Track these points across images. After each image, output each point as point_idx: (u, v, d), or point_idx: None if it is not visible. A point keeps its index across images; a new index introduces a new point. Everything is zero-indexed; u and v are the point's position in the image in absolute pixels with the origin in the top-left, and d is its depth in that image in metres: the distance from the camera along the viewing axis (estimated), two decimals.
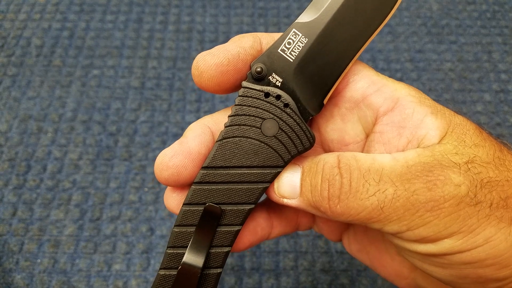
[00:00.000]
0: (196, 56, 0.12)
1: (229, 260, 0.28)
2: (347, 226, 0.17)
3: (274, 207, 0.16)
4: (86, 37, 0.39)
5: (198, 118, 0.35)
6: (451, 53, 0.40)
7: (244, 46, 0.12)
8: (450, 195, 0.10)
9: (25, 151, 0.33)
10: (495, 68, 0.39)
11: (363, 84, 0.12)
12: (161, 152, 0.13)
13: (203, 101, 0.36)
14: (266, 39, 0.13)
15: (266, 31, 0.41)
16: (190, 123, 0.35)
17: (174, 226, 0.13)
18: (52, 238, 0.29)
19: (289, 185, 0.12)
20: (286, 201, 0.12)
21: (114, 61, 0.38)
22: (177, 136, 0.34)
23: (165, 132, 0.34)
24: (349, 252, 0.17)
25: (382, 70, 0.38)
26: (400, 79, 0.38)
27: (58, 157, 0.32)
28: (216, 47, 0.12)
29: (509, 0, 0.44)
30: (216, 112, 0.14)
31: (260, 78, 0.12)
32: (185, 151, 0.12)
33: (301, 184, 0.12)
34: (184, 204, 0.13)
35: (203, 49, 0.39)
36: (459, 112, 0.12)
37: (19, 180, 0.31)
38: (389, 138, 0.12)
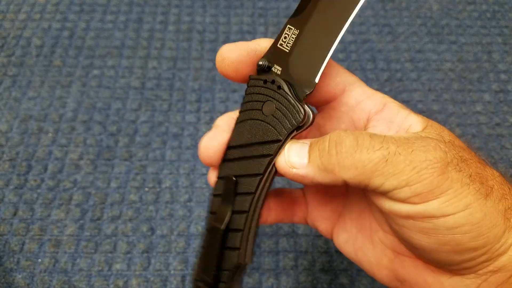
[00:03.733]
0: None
1: None
2: (339, 215, 0.18)
3: (273, 194, 0.18)
4: (86, 37, 0.39)
5: (198, 118, 0.35)
6: (451, 53, 0.40)
7: (261, 44, 0.15)
8: (440, 157, 0.12)
9: (26, 151, 0.33)
10: (495, 68, 0.39)
11: (357, 92, 0.15)
12: (204, 138, 0.15)
13: (203, 101, 0.36)
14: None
15: (266, 31, 0.41)
16: (190, 123, 0.35)
17: (210, 195, 0.16)
18: (53, 237, 0.29)
19: (298, 154, 0.14)
20: (295, 170, 0.14)
21: (114, 61, 0.38)
22: (177, 136, 0.34)
23: (166, 132, 0.34)
24: (336, 245, 0.18)
25: (382, 70, 0.38)
26: (400, 79, 0.38)
27: (59, 157, 0.32)
28: (239, 42, 0.15)
29: (509, 0, 0.44)
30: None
31: (263, 70, 0.14)
32: (219, 138, 0.15)
33: (309, 153, 0.14)
34: (217, 178, 0.16)
35: (203, 49, 0.39)
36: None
37: (20, 180, 0.31)
38: (381, 130, 0.14)
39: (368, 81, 0.38)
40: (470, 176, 0.12)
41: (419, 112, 0.36)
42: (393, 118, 0.14)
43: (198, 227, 0.29)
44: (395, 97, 0.37)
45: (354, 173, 0.12)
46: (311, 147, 0.14)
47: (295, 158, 0.14)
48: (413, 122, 0.13)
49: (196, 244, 0.29)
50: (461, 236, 0.12)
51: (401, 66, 0.39)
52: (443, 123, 0.36)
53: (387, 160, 0.12)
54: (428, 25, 0.42)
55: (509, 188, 0.13)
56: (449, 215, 0.12)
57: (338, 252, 0.29)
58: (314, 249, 0.29)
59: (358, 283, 0.28)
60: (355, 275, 0.28)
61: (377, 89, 0.39)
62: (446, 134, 0.13)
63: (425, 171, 0.11)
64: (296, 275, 0.28)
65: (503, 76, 0.39)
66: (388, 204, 0.13)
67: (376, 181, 0.12)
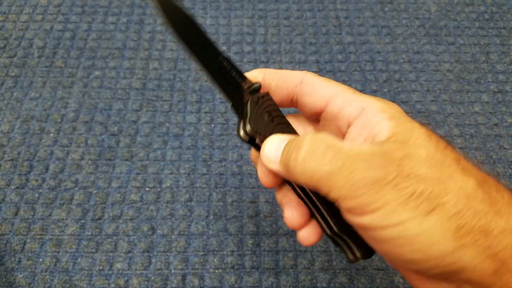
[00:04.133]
0: None
1: (229, 259, 0.28)
2: None
3: None
4: (88, 38, 0.40)
5: (199, 118, 0.36)
6: (449, 54, 0.40)
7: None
8: (377, 178, 0.13)
9: (27, 151, 0.33)
10: (493, 69, 0.39)
11: (340, 100, 0.16)
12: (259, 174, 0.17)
13: (203, 102, 0.36)
14: (269, 74, 0.18)
15: (266, 33, 0.41)
16: (191, 123, 0.35)
17: None
18: (54, 237, 0.29)
19: (275, 150, 0.16)
20: (271, 165, 0.16)
21: (115, 62, 0.38)
22: (178, 136, 0.34)
23: (166, 132, 0.34)
24: None
25: (380, 71, 0.39)
26: (398, 80, 0.38)
27: (60, 157, 0.33)
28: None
29: (507, 1, 0.44)
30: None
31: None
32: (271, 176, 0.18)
33: (282, 151, 0.15)
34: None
35: None
36: (423, 123, 0.15)
37: (21, 180, 0.31)
38: (354, 136, 0.15)
39: (367, 82, 0.38)
40: (412, 194, 0.12)
41: (418, 112, 0.37)
42: (366, 124, 0.14)
43: (199, 226, 0.30)
44: (393, 97, 0.37)
45: (306, 179, 0.14)
46: (286, 145, 0.15)
47: (272, 153, 0.16)
48: (381, 130, 0.14)
49: (196, 243, 0.29)
50: (400, 249, 0.13)
51: (400, 67, 0.39)
52: (442, 123, 0.36)
53: (331, 174, 0.13)
54: (427, 27, 0.42)
55: (481, 200, 0.12)
56: (385, 228, 0.13)
57: (337, 251, 0.29)
58: (313, 248, 0.29)
59: (357, 282, 0.28)
60: (354, 274, 0.28)
61: (376, 90, 0.40)
62: (413, 140, 0.13)
63: (360, 190, 0.13)
64: (296, 274, 0.28)
65: (501, 77, 0.39)
66: (342, 211, 0.14)
67: (323, 190, 0.14)
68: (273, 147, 0.16)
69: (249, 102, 0.17)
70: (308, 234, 0.17)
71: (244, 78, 0.18)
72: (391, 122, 0.14)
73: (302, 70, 0.17)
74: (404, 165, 0.13)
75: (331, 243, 0.29)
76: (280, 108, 0.18)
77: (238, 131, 0.17)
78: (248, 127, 0.16)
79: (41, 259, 0.28)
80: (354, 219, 0.14)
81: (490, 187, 0.13)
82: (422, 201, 0.12)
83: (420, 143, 0.13)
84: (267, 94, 0.17)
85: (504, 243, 0.12)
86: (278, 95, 0.17)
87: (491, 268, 0.12)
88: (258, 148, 0.17)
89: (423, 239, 0.12)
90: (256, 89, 0.17)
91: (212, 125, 0.35)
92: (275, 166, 0.15)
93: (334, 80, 0.17)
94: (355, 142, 0.15)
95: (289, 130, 0.17)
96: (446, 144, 0.14)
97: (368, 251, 0.16)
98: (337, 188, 0.13)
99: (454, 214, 0.12)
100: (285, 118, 0.17)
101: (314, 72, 0.38)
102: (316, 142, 0.14)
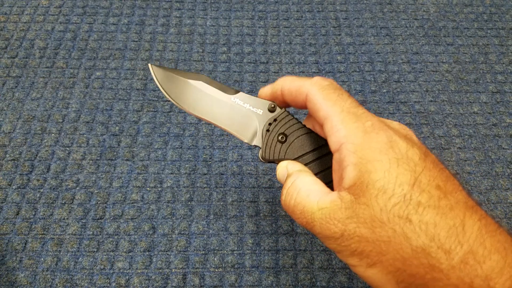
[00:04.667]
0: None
1: (229, 258, 0.29)
2: None
3: None
4: (89, 39, 0.40)
5: (199, 119, 0.36)
6: (448, 54, 0.40)
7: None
8: (328, 235, 0.15)
9: (29, 151, 0.33)
10: (492, 70, 0.40)
11: (328, 127, 0.16)
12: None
13: None
14: (285, 85, 0.19)
15: (266, 34, 0.41)
16: (191, 123, 0.35)
17: None
18: (56, 236, 0.29)
19: (283, 176, 0.18)
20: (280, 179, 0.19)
21: (116, 63, 0.38)
22: (178, 136, 0.34)
23: (167, 132, 0.34)
24: None
25: (379, 72, 0.39)
26: (397, 81, 0.39)
27: (62, 157, 0.33)
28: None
29: (506, 2, 0.45)
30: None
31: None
32: None
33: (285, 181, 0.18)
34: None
35: (204, 51, 0.39)
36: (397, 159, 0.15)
37: (23, 179, 0.32)
38: (335, 169, 0.16)
39: (366, 83, 0.38)
40: (354, 251, 0.14)
41: (417, 113, 0.37)
42: (340, 163, 0.16)
43: (199, 226, 0.30)
44: (392, 98, 0.38)
45: (296, 219, 0.17)
46: (287, 176, 0.18)
47: (280, 177, 0.18)
48: (345, 177, 0.15)
49: (196, 242, 0.29)
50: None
51: (399, 67, 0.39)
52: (441, 123, 0.36)
53: (301, 223, 0.16)
54: (425, 27, 0.42)
55: (416, 265, 0.13)
56: (348, 265, 0.15)
57: None
58: (313, 247, 0.29)
59: (356, 281, 0.28)
60: (353, 273, 0.28)
61: (375, 90, 0.40)
62: (361, 201, 0.14)
63: (321, 239, 0.16)
64: (296, 273, 0.28)
65: (499, 77, 0.39)
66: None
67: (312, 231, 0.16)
68: (281, 173, 0.18)
69: (262, 130, 0.19)
70: None
71: (260, 104, 0.19)
72: (354, 172, 0.15)
73: (311, 77, 0.18)
74: (348, 226, 0.15)
75: None
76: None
77: (259, 155, 0.19)
78: (263, 155, 0.19)
79: (42, 259, 0.28)
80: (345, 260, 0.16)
81: (438, 248, 0.13)
82: (363, 257, 0.14)
83: (368, 203, 0.14)
84: (283, 112, 0.19)
85: None
86: (295, 105, 0.19)
87: None
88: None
89: (371, 281, 0.15)
90: (270, 110, 0.19)
91: (213, 125, 0.35)
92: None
93: (334, 80, 0.17)
94: (338, 177, 0.16)
95: (300, 145, 0.19)
96: (406, 192, 0.14)
97: None
98: (316, 233, 0.16)
99: (392, 271, 0.14)
100: (300, 130, 0.19)
101: (314, 72, 0.39)
102: (293, 190, 0.17)
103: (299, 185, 0.17)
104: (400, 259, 0.13)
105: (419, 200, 0.13)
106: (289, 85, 0.18)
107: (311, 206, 0.16)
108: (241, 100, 0.19)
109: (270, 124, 0.19)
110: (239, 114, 0.19)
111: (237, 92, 0.19)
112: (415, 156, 0.14)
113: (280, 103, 0.19)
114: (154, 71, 0.20)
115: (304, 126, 0.19)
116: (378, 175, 0.14)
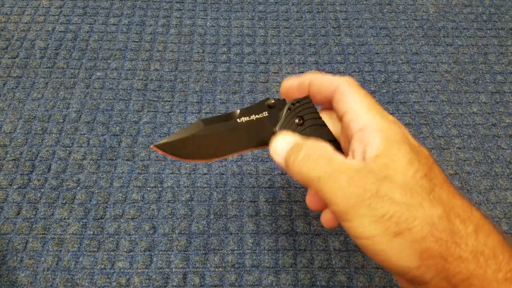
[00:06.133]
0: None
1: (229, 257, 0.29)
2: None
3: None
4: (89, 39, 0.40)
5: (199, 119, 0.36)
6: (447, 55, 0.41)
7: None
8: (355, 194, 0.15)
9: (30, 151, 0.33)
10: (491, 70, 0.40)
11: (349, 115, 0.17)
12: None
13: (204, 103, 0.37)
14: (313, 78, 0.20)
15: (265, 34, 0.41)
16: (191, 124, 0.35)
17: None
18: (56, 236, 0.29)
19: (284, 146, 0.18)
20: (275, 156, 0.18)
21: (117, 63, 0.39)
22: None
23: (167, 132, 0.35)
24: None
25: (379, 72, 0.39)
26: (397, 81, 0.39)
27: (62, 157, 0.33)
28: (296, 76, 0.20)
29: (506, 2, 0.45)
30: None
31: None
32: None
33: (287, 150, 0.18)
34: None
35: (204, 52, 0.40)
36: (417, 148, 0.16)
37: (23, 179, 0.32)
38: (353, 148, 0.17)
39: (365, 83, 0.38)
40: (384, 215, 0.14)
41: (416, 113, 0.37)
42: (363, 139, 0.16)
43: (199, 225, 0.30)
44: (392, 98, 0.38)
45: (300, 178, 0.16)
46: (292, 145, 0.17)
47: (280, 147, 0.18)
48: (371, 147, 0.15)
49: (197, 242, 0.29)
50: (372, 256, 0.15)
51: (398, 68, 0.40)
52: (440, 123, 0.36)
53: (319, 179, 0.15)
54: (425, 28, 0.43)
55: (443, 229, 0.14)
56: (358, 238, 0.15)
57: (337, 250, 0.29)
58: (312, 247, 0.29)
59: (356, 280, 0.28)
60: (353, 273, 0.28)
61: (374, 91, 0.40)
62: (392, 167, 0.15)
63: (340, 200, 0.15)
64: (295, 273, 0.28)
65: (499, 77, 0.39)
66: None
67: (313, 189, 0.16)
68: (281, 142, 0.18)
69: (285, 108, 0.19)
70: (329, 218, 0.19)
71: (260, 108, 0.20)
72: (381, 142, 0.15)
73: (342, 75, 0.19)
74: (381, 187, 0.14)
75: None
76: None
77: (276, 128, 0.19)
78: (275, 129, 0.19)
79: (43, 258, 0.28)
80: (339, 222, 0.16)
81: (455, 217, 0.14)
82: (392, 223, 0.14)
83: (399, 169, 0.15)
84: (306, 97, 0.20)
85: (457, 269, 0.14)
86: (317, 98, 0.20)
87: (446, 287, 0.14)
88: None
89: (390, 255, 0.14)
90: (271, 106, 0.19)
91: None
92: (278, 158, 0.18)
93: None
94: (349, 157, 0.16)
95: (316, 132, 0.19)
96: (426, 173, 0.15)
97: None
98: (322, 192, 0.15)
99: (419, 239, 0.14)
100: (317, 119, 0.19)
101: None
102: (314, 149, 0.16)
103: (320, 148, 0.16)
104: (428, 223, 0.14)
105: (435, 182, 0.15)
106: (320, 78, 0.19)
107: (348, 165, 0.15)
108: (245, 116, 0.19)
109: (293, 104, 0.19)
110: (252, 129, 0.19)
111: (236, 111, 0.20)
112: (425, 151, 0.16)
113: (301, 95, 0.20)
114: (161, 148, 0.19)
115: (321, 117, 0.19)
116: (405, 151, 0.15)
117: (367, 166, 0.15)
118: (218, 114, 0.19)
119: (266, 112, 0.19)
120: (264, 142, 0.19)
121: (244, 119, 0.19)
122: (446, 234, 0.14)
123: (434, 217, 0.14)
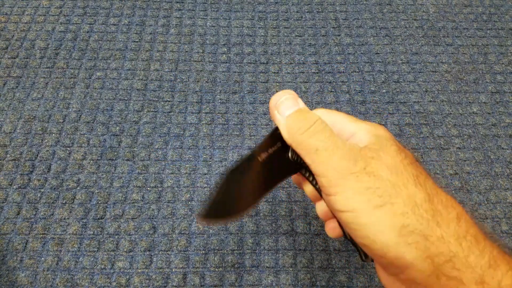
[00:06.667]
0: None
1: (229, 257, 0.29)
2: None
3: None
4: (89, 39, 0.40)
5: (199, 119, 0.36)
6: (447, 55, 0.41)
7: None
8: (346, 167, 0.15)
9: (30, 151, 0.33)
10: (491, 70, 0.40)
11: (338, 127, 0.18)
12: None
13: (204, 103, 0.37)
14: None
15: (265, 34, 0.41)
16: (191, 124, 0.36)
17: None
18: (56, 236, 0.29)
19: (288, 106, 0.18)
20: (276, 114, 0.18)
21: (117, 64, 0.39)
22: (179, 136, 0.34)
23: (167, 132, 0.35)
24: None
25: (379, 72, 0.39)
26: (397, 81, 0.39)
27: (62, 157, 0.33)
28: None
29: (505, 2, 0.45)
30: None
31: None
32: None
33: (294, 112, 0.17)
34: None
35: (204, 52, 0.40)
36: (402, 146, 0.17)
37: (23, 179, 0.32)
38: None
39: (365, 83, 0.38)
40: (369, 188, 0.14)
41: (416, 113, 0.37)
42: (355, 140, 0.17)
43: (199, 225, 0.30)
44: (392, 98, 0.38)
45: (296, 146, 0.17)
46: (298, 109, 0.17)
47: (283, 107, 0.18)
48: (363, 141, 0.16)
49: (197, 242, 0.29)
50: (354, 233, 0.15)
51: (398, 68, 0.40)
52: (440, 123, 0.37)
53: (317, 150, 0.16)
54: (425, 28, 0.43)
55: (425, 210, 0.14)
56: (342, 211, 0.15)
57: (337, 250, 0.29)
58: (312, 247, 0.29)
59: (356, 280, 0.28)
60: (353, 273, 0.28)
61: (374, 91, 0.40)
62: (382, 151, 0.16)
63: (331, 171, 0.15)
64: (295, 273, 0.28)
65: (499, 78, 0.39)
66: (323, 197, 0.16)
67: (307, 161, 0.16)
68: (288, 102, 0.18)
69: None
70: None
71: (273, 140, 0.19)
72: (372, 137, 0.17)
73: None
74: (370, 164, 0.15)
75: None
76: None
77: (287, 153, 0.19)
78: (287, 156, 0.19)
79: (43, 258, 0.28)
80: (326, 200, 0.16)
81: (438, 203, 0.15)
82: (375, 196, 0.14)
83: (389, 153, 0.16)
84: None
85: (440, 249, 0.14)
86: None
87: (429, 269, 0.13)
88: (302, 173, 0.19)
89: (371, 227, 0.14)
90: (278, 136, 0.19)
91: (213, 126, 0.35)
92: (280, 119, 0.18)
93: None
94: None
95: None
96: (412, 161, 0.16)
97: None
98: (316, 163, 0.16)
99: (400, 213, 0.14)
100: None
101: (314, 73, 0.39)
102: (315, 119, 0.17)
103: (323, 123, 0.17)
104: (411, 202, 0.14)
105: (421, 171, 0.15)
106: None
107: (344, 142, 0.16)
108: (263, 151, 0.19)
109: None
110: (273, 162, 0.19)
111: (254, 151, 0.19)
112: (409, 153, 0.17)
113: None
114: (206, 218, 0.19)
115: None
116: (392, 144, 0.16)
117: (359, 148, 0.16)
118: (240, 158, 0.19)
119: (279, 142, 0.19)
120: (287, 174, 0.19)
121: (263, 155, 0.19)
122: (427, 214, 0.14)
123: (417, 198, 0.14)
